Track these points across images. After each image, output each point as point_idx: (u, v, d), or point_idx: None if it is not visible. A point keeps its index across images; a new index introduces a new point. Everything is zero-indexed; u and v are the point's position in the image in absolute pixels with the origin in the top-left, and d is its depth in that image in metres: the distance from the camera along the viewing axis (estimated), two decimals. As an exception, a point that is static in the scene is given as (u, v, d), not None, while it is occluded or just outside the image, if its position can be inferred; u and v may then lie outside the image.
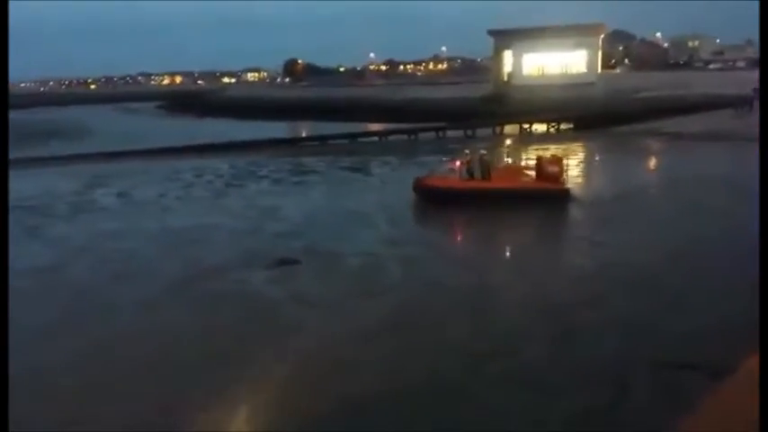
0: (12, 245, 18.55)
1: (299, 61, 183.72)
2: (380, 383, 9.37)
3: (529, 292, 13.09)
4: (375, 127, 51.22)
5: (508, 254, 17.19)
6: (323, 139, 43.45)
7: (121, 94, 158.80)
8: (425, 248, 16.75)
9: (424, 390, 9.16)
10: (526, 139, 42.68)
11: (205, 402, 9.03)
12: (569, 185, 21.85)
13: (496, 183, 20.92)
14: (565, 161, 22.24)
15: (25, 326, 11.52)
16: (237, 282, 14.37)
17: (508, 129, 46.13)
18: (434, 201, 21.22)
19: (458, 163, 22.15)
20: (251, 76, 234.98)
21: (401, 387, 9.25)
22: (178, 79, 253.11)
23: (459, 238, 19.28)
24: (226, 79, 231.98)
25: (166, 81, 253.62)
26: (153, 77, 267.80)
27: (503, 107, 52.11)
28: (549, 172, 21.03)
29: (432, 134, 44.42)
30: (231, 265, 15.63)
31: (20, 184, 27.82)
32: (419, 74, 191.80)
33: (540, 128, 46.42)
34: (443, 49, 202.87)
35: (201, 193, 25.50)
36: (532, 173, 21.69)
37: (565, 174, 21.73)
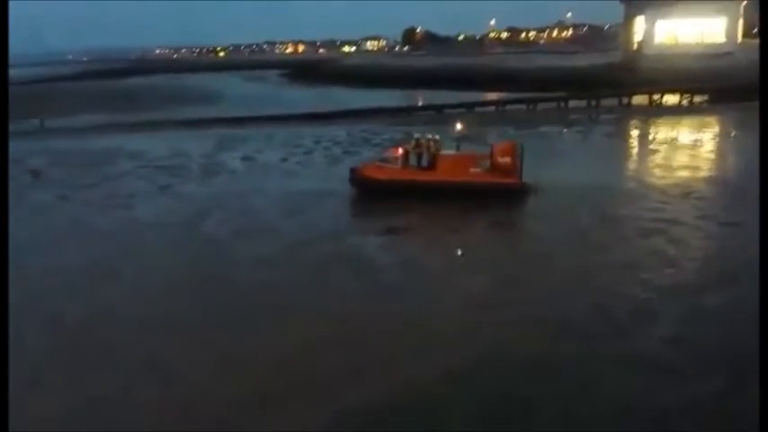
0: (146, 201, 20.11)
1: (418, 30, 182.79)
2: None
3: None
4: (492, 96, 50.22)
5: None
6: (438, 108, 43.12)
7: (248, 61, 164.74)
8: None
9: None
10: (656, 110, 40.40)
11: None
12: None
13: (441, 174, 18.57)
14: (518, 150, 18.94)
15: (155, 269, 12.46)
16: (353, 245, 14.89)
17: (636, 99, 43.80)
18: (373, 194, 18.89)
19: (399, 150, 19.67)
20: (370, 45, 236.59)
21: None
22: (301, 48, 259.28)
23: None
24: (346, 48, 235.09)
25: (290, 50, 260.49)
26: (277, 46, 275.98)
27: (631, 76, 49.39)
28: (500, 163, 18.52)
29: (553, 104, 42.96)
30: (345, 229, 16.20)
31: (153, 146, 29.84)
32: (542, 41, 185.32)
33: (671, 99, 43.73)
34: (569, 15, 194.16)
35: (320, 159, 26.17)
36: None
37: (519, 164, 18.72)
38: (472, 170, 18.83)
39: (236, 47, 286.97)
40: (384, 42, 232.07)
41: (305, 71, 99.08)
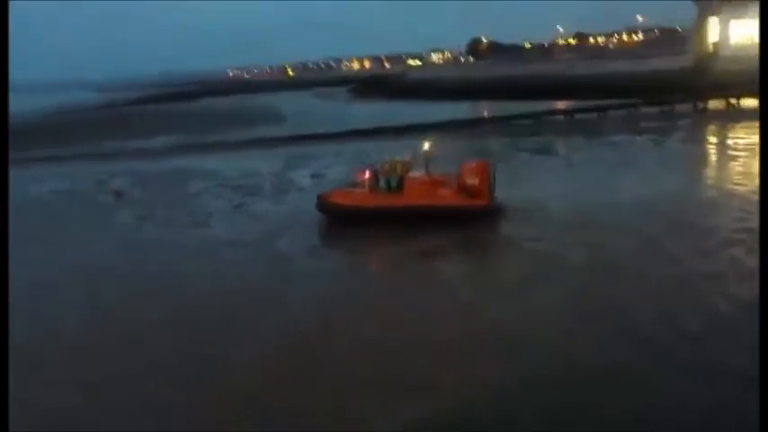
0: (222, 220, 20.81)
1: (484, 39, 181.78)
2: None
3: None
4: (560, 105, 49.43)
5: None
6: (505, 119, 42.82)
7: (316, 79, 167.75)
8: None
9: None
10: (733, 115, 38.84)
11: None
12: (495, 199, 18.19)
13: (408, 198, 17.74)
14: (489, 169, 18.05)
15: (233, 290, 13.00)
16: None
17: (712, 104, 42.25)
18: (342, 221, 18.37)
19: (366, 173, 18.60)
20: (435, 57, 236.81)
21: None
22: (367, 63, 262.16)
23: None
24: (411, 61, 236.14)
25: (356, 65, 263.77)
26: (344, 62, 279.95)
27: (706, 80, 47.69)
28: (468, 184, 17.67)
29: (624, 111, 41.96)
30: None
31: (226, 166, 30.84)
32: (611, 46, 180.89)
33: (749, 103, 41.95)
34: (639, 18, 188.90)
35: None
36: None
37: (489, 184, 17.78)
38: (440, 192, 17.94)
39: (305, 64, 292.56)
40: (449, 54, 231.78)
41: (371, 86, 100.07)
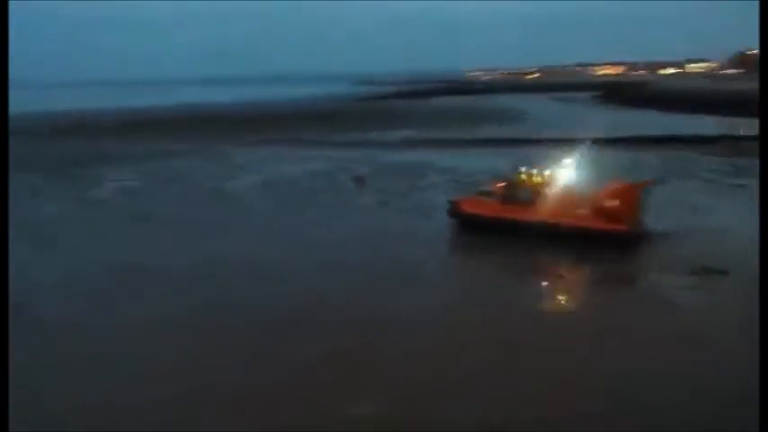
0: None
1: (750, 52, 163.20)
2: None
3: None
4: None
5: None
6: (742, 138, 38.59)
7: (559, 83, 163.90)
8: None
9: None
10: None
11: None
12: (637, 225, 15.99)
13: (542, 213, 16.70)
14: (633, 193, 16.43)
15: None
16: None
17: None
18: (471, 230, 17.69)
19: (499, 184, 17.97)
20: (693, 67, 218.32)
21: None
22: (617, 69, 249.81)
23: None
24: (668, 69, 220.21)
25: (605, 71, 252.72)
26: (592, 67, 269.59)
27: None
28: (607, 207, 16.14)
29: None
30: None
31: (463, 162, 31.74)
32: None
33: None
34: None
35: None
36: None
37: (633, 209, 16.08)
38: (577, 211, 16.74)
39: (550, 68, 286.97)
40: (709, 65, 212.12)
41: (618, 93, 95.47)
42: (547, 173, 18.23)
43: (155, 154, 36.99)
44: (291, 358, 10.84)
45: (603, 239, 16.11)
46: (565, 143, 38.29)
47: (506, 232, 17.23)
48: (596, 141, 38.50)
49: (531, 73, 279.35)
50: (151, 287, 14.57)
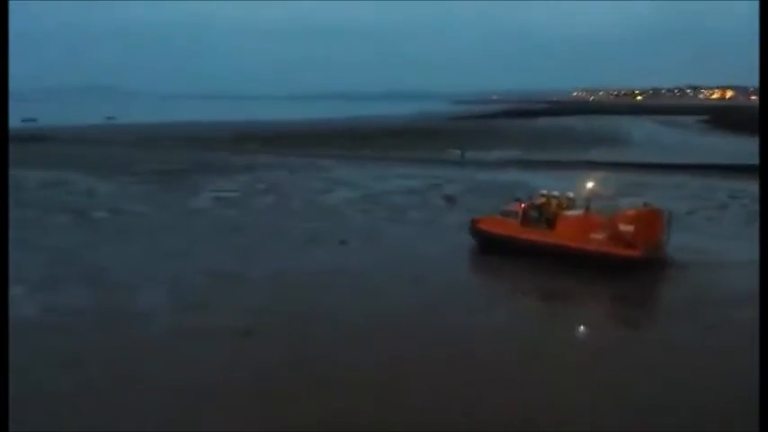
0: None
1: None
2: None
3: None
4: None
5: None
6: None
7: (666, 106, 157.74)
8: None
9: None
10: None
11: None
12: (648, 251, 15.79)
13: (559, 236, 16.83)
14: (651, 218, 16.45)
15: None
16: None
17: None
18: (491, 249, 17.97)
19: (522, 204, 18.19)
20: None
21: None
22: (728, 93, 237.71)
23: None
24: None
25: (716, 95, 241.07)
26: (701, 91, 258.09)
27: None
28: (622, 231, 16.09)
29: None
30: None
31: (557, 184, 30.62)
32: None
33: None
34: None
35: (733, 216, 23.97)
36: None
37: (651, 234, 16.11)
38: (593, 236, 16.49)
39: (656, 90, 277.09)
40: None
41: (729, 118, 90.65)
42: (571, 195, 18.35)
43: (254, 166, 38.21)
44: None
45: (614, 264, 15.92)
46: (662, 169, 36.83)
47: (524, 254, 17.19)
48: (692, 168, 36.74)
49: (638, 94, 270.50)
50: (248, 293, 14.98)
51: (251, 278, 16.11)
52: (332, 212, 24.65)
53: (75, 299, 14.34)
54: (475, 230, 19.31)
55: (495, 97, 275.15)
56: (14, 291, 13.98)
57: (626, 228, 16.39)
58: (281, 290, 15.29)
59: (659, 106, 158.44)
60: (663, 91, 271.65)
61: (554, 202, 18.29)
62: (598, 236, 16.75)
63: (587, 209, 17.71)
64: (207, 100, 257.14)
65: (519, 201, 19.08)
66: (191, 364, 11.12)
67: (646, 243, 16.27)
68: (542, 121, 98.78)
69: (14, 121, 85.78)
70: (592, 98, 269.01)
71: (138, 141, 57.80)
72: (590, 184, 18.38)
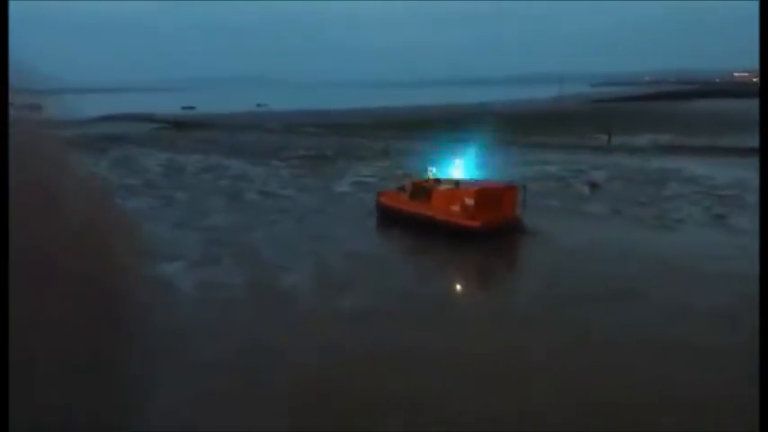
0: (693, 227, 19.66)
1: None
2: None
3: None
4: None
5: None
6: None
7: None
8: None
9: None
10: None
11: None
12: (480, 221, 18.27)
13: (431, 208, 19.54)
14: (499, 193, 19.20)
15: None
16: None
17: None
18: (387, 219, 20.81)
19: (411, 182, 21.04)
20: None
21: None
22: None
23: None
24: None
25: None
26: None
27: None
28: (466, 204, 18.68)
29: None
30: None
31: (713, 172, 28.65)
32: None
33: None
34: None
35: None
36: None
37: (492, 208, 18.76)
38: (452, 208, 18.96)
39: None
40: None
41: None
42: (454, 172, 20.65)
43: (393, 152, 38.85)
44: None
45: (460, 232, 18.25)
46: None
47: (410, 224, 19.57)
48: None
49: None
50: (390, 274, 15.82)
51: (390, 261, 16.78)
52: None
53: (229, 276, 15.32)
54: (376, 203, 21.78)
55: (648, 78, 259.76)
56: (175, 267, 15.67)
57: (469, 201, 18.66)
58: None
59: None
60: None
61: (432, 178, 20.60)
62: (456, 208, 18.93)
63: (457, 183, 19.93)
64: (347, 87, 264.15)
65: (412, 180, 21.50)
66: (336, 339, 11.65)
67: (488, 215, 18.50)
68: (698, 104, 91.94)
69: (176, 108, 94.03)
70: (755, 79, 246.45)
71: (285, 127, 60.57)
72: (456, 161, 20.86)
